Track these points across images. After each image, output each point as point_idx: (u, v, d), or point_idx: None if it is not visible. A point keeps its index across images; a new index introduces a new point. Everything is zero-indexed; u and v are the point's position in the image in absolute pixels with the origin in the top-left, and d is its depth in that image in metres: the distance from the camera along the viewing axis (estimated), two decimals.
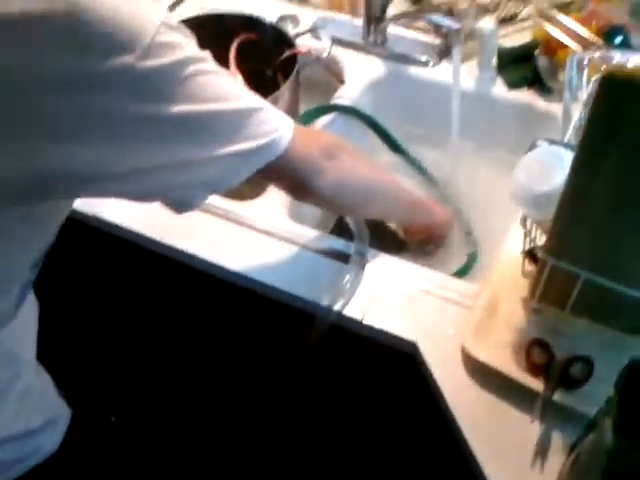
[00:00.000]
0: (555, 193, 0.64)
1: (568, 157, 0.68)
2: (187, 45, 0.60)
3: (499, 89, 1.13)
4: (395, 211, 0.92)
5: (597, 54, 0.77)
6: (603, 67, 0.79)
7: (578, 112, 0.82)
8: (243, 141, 0.63)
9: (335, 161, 0.75)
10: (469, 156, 1.18)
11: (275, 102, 1.02)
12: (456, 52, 1.01)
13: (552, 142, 0.72)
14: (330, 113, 1.09)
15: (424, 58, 1.17)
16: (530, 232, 0.73)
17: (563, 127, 0.83)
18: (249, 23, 1.14)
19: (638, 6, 0.96)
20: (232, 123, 0.63)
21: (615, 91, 0.50)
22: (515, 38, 1.18)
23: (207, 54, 0.62)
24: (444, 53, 1.16)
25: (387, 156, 1.18)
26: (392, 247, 1.06)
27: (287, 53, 1.07)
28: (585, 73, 0.79)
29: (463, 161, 1.17)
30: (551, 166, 0.65)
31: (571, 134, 0.80)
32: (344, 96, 1.14)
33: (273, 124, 0.66)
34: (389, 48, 1.19)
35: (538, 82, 1.10)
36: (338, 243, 0.91)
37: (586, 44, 1.05)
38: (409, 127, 1.21)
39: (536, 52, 1.10)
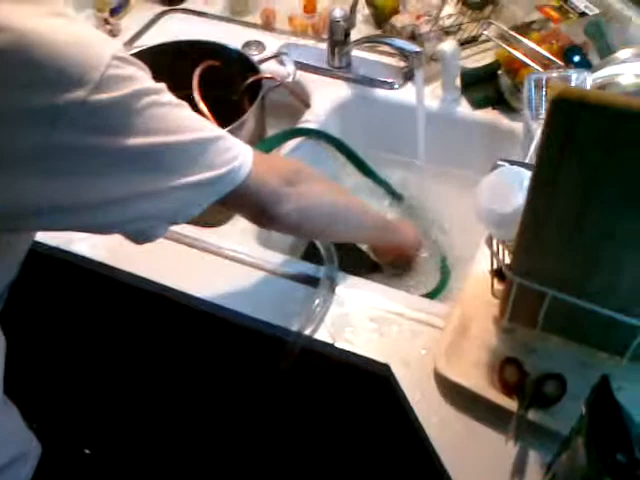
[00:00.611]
0: (517, 213, 0.64)
1: (527, 177, 0.68)
2: (141, 77, 0.59)
3: (464, 109, 1.14)
4: (361, 233, 0.92)
5: (554, 74, 0.78)
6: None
7: (539, 131, 0.83)
8: (201, 171, 0.63)
9: (297, 187, 0.75)
10: (437, 176, 1.18)
11: (240, 128, 1.02)
12: (418, 75, 1.02)
13: (513, 162, 0.73)
14: (297, 137, 1.09)
15: (389, 80, 1.17)
16: (497, 252, 0.73)
17: (524, 146, 0.84)
18: (213, 50, 1.13)
19: (592, 26, 0.98)
20: (189, 154, 0.62)
21: (565, 112, 0.51)
22: (478, 59, 1.20)
23: (163, 86, 0.62)
24: (409, 75, 1.17)
25: (355, 178, 1.18)
26: (364, 269, 1.06)
27: (251, 79, 1.07)
28: (544, 92, 0.80)
29: (431, 181, 1.17)
30: (512, 186, 0.66)
31: (532, 153, 0.81)
32: (310, 120, 1.14)
33: (232, 153, 0.66)
34: (354, 71, 1.19)
35: (502, 102, 1.11)
36: (307, 267, 0.90)
37: (546, 64, 1.07)
38: (376, 149, 1.22)
39: (499, 72, 1.12)
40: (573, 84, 0.76)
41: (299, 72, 1.20)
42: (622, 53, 0.84)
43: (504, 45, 1.10)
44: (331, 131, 1.16)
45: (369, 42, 1.13)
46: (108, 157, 0.57)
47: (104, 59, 0.55)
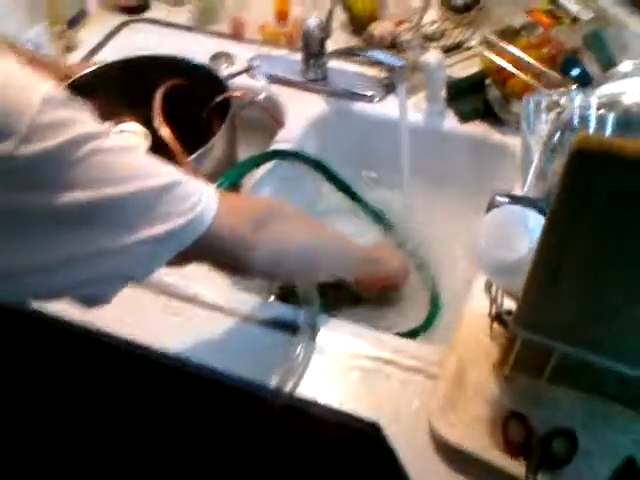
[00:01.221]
0: (522, 261, 0.56)
1: (533, 219, 0.60)
2: (79, 121, 0.51)
3: (450, 122, 1.06)
4: (342, 269, 0.84)
5: (555, 96, 0.70)
6: (562, 102, 0.73)
7: (537, 155, 0.75)
8: (157, 224, 0.54)
9: (267, 230, 0.67)
10: (424, 195, 1.10)
11: (209, 152, 0.94)
12: (401, 91, 0.94)
13: (512, 198, 0.65)
14: (272, 160, 1.00)
15: (369, 93, 1.09)
16: (496, 298, 0.65)
17: (523, 169, 0.76)
18: (178, 66, 1.05)
19: (592, 37, 0.91)
20: (141, 206, 0.54)
21: (587, 165, 0.43)
22: (464, 66, 1.12)
23: (106, 127, 0.53)
24: (390, 87, 1.08)
25: (338, 200, 1.09)
26: (347, 301, 0.98)
27: (219, 98, 0.98)
28: (543, 109, 0.72)
29: (418, 201, 1.09)
30: (516, 231, 0.58)
31: (531, 182, 0.73)
32: (285, 139, 1.05)
33: (192, 199, 0.57)
34: (330, 84, 1.11)
35: (491, 114, 1.03)
36: (284, 311, 0.81)
37: (536, 74, 0.99)
38: (358, 167, 1.14)
39: (486, 82, 1.04)
40: (577, 107, 0.68)
41: (272, 86, 1.11)
42: (624, 66, 0.77)
43: (489, 54, 1.02)
44: (308, 149, 1.07)
45: (347, 54, 1.05)
46: (44, 217, 0.50)
47: (33, 104, 0.47)
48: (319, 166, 1.06)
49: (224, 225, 0.61)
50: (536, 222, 0.60)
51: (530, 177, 0.73)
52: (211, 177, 0.94)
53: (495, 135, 1.03)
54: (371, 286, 0.96)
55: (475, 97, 1.05)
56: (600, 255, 0.49)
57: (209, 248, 0.62)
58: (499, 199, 0.66)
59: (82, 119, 0.51)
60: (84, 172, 0.50)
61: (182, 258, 0.59)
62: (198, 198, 0.58)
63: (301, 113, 1.09)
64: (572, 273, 0.51)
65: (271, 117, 1.04)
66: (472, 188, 1.09)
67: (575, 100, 0.69)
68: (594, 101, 0.67)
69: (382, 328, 0.96)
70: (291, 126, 1.07)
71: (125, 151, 0.54)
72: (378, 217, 1.10)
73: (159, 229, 0.55)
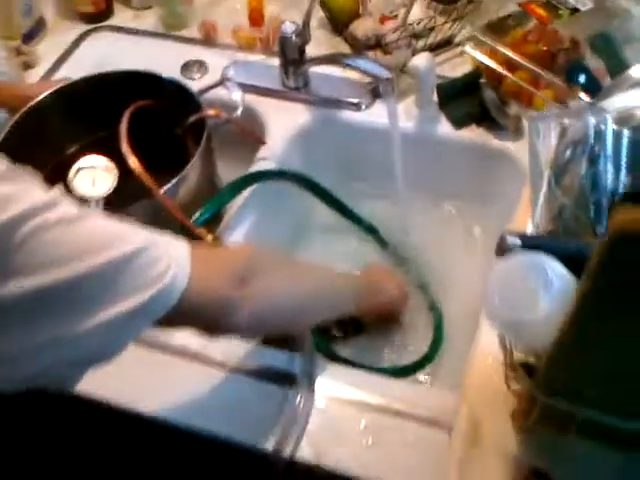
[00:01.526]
0: (543, 321, 0.49)
1: (551, 270, 0.53)
2: (24, 194, 0.44)
3: (444, 128, 0.98)
4: (337, 310, 0.77)
5: (566, 120, 0.63)
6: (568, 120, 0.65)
7: (546, 178, 0.67)
8: (121, 300, 0.48)
9: (250, 286, 0.60)
10: (420, 206, 1.03)
11: (185, 179, 0.86)
12: (390, 103, 0.86)
13: (525, 239, 0.58)
14: (257, 182, 0.92)
15: (355, 100, 1.01)
16: (511, 349, 0.59)
17: (533, 197, 0.69)
18: (146, 82, 0.96)
19: (601, 40, 0.83)
20: (99, 283, 0.47)
21: (631, 251, 0.36)
22: (455, 65, 1.04)
23: (55, 195, 0.46)
24: (377, 92, 1.00)
25: (329, 217, 1.02)
26: (348, 331, 0.92)
27: (192, 118, 0.90)
28: (553, 136, 0.65)
29: (413, 213, 1.02)
30: (531, 286, 0.51)
31: (540, 214, 0.65)
32: (267, 156, 0.97)
33: (161, 265, 0.50)
34: (313, 92, 1.02)
35: (487, 117, 0.96)
36: (278, 358, 0.74)
37: (530, 76, 0.92)
38: (348, 179, 1.06)
39: (481, 82, 0.96)
40: (591, 130, 0.61)
41: (249, 96, 1.02)
42: (636, 70, 0.69)
43: (476, 54, 0.95)
44: (293, 164, 1.00)
45: (329, 62, 0.96)
46: None
47: None
48: (307, 183, 0.99)
49: (201, 288, 0.55)
50: (555, 274, 0.53)
51: (539, 205, 0.66)
52: (189, 206, 0.87)
53: (493, 140, 0.96)
54: (370, 314, 0.89)
55: (469, 100, 0.97)
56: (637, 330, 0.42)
57: (185, 316, 0.55)
58: (510, 240, 0.59)
59: (25, 190, 0.44)
60: (28, 256, 0.43)
61: (161, 324, 0.52)
62: (167, 263, 0.51)
63: (282, 125, 1.01)
64: (603, 343, 0.44)
65: (250, 136, 0.96)
66: (471, 197, 1.03)
67: (588, 122, 0.62)
68: (610, 122, 0.60)
69: (385, 359, 0.91)
70: (273, 141, 0.99)
71: (76, 222, 0.46)
72: (372, 233, 1.03)
73: (123, 306, 0.48)
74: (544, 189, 0.68)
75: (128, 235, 0.50)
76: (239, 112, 0.92)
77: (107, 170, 0.78)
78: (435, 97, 0.98)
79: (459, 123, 0.97)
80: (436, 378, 0.88)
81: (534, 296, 0.51)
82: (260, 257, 0.64)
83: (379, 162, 0.99)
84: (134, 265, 0.49)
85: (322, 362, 0.76)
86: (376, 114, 1.00)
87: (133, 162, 0.81)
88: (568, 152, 0.68)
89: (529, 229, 0.69)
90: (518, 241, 0.58)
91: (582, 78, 0.75)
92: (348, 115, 1.02)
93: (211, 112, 0.89)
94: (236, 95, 0.95)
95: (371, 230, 1.03)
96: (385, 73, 0.82)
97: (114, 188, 0.80)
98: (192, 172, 0.87)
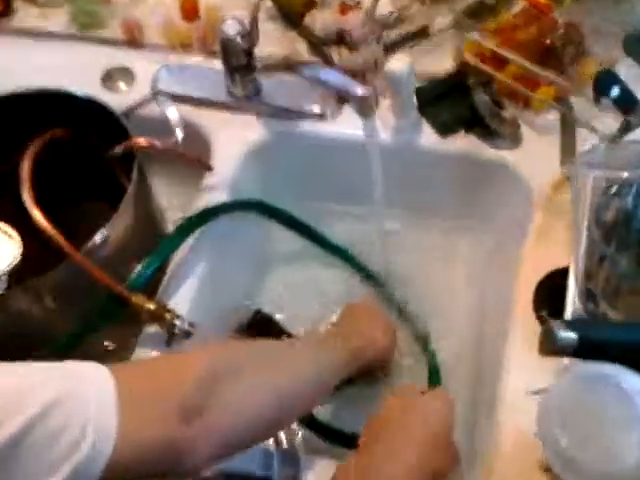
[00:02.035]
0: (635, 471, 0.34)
1: (630, 386, 0.38)
2: None
3: (428, 137, 0.82)
4: (325, 389, 0.61)
5: (606, 174, 0.47)
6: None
7: (584, 232, 0.53)
8: None
9: (204, 417, 0.44)
10: (406, 229, 0.88)
11: (114, 227, 0.68)
12: (369, 127, 0.69)
13: (567, 325, 0.43)
14: (211, 220, 0.74)
15: (318, 109, 0.83)
16: None
17: (576, 259, 0.54)
18: (57, 103, 0.76)
19: (634, 41, 0.67)
20: None
21: None
22: (434, 59, 0.86)
23: None
24: (343, 97, 0.83)
25: (299, 247, 0.86)
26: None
27: (119, 150, 0.71)
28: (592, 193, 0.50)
29: (398, 237, 0.86)
30: (608, 416, 0.36)
31: (582, 272, 0.50)
32: (216, 184, 0.79)
33: (74, 430, 0.35)
34: (267, 100, 0.84)
35: (477, 122, 0.80)
36: (253, 460, 0.58)
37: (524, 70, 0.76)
38: (316, 201, 0.89)
39: (470, 81, 0.80)
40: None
41: (188, 109, 0.84)
42: None
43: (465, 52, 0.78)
44: (248, 190, 0.83)
45: (284, 69, 0.78)
46: None
47: None
48: (269, 211, 0.83)
49: (135, 442, 0.39)
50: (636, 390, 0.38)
51: (580, 263, 0.51)
52: (122, 261, 0.69)
53: (486, 150, 0.80)
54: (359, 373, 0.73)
55: (456, 102, 0.81)
56: None
57: (124, 474, 0.38)
58: (561, 334, 0.43)
59: None
60: None
61: None
62: (81, 425, 0.35)
63: (231, 143, 0.83)
64: None
65: (193, 164, 0.78)
66: (463, 217, 0.87)
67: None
68: None
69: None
70: (221, 164, 0.81)
71: None
72: (349, 261, 0.87)
73: None
74: (584, 236, 0.53)
75: (16, 400, 0.32)
76: (178, 138, 0.74)
77: (6, 236, 0.59)
78: (415, 100, 0.82)
79: (445, 130, 0.81)
80: None
81: (615, 433, 0.36)
82: (218, 365, 0.47)
83: (351, 179, 0.83)
84: (30, 443, 0.32)
85: (305, 457, 0.60)
86: (345, 123, 0.83)
87: (37, 216, 0.62)
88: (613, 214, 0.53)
89: (571, 289, 0.53)
90: (572, 335, 0.43)
91: (615, 91, 0.59)
92: (311, 126, 0.84)
93: (141, 142, 0.70)
94: (172, 113, 0.76)
95: (347, 257, 0.87)
96: (360, 89, 0.64)
97: (21, 254, 0.61)
98: (123, 217, 0.69)
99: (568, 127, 0.77)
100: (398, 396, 0.59)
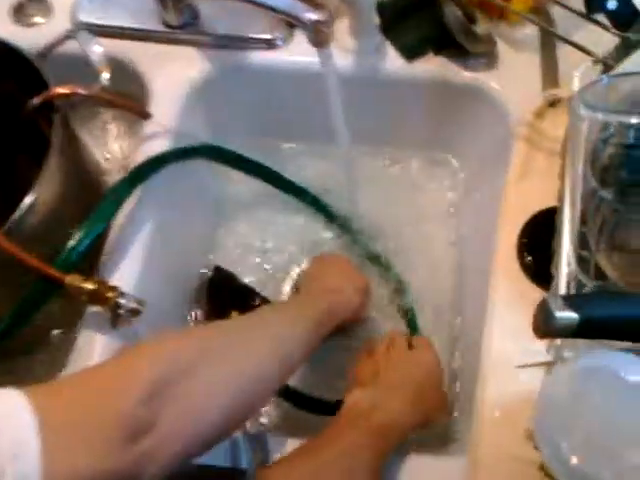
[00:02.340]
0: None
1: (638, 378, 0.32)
2: None
3: (393, 62, 0.72)
4: (289, 368, 0.54)
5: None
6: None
7: (579, 175, 0.45)
8: None
9: (157, 428, 0.38)
10: (373, 166, 0.80)
11: (43, 186, 0.59)
12: (326, 57, 0.59)
13: (566, 302, 0.36)
14: (154, 173, 0.65)
15: (267, 35, 0.73)
16: None
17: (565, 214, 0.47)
18: None
19: None
20: None
21: None
22: None
23: None
24: None
25: (255, 188, 0.77)
26: None
27: (37, 101, 0.61)
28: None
29: (365, 175, 0.78)
30: (614, 411, 0.30)
31: (578, 218, 0.44)
32: (158, 131, 0.70)
33: None
34: (206, 29, 0.73)
35: (449, 42, 0.70)
36: (222, 455, 0.53)
37: None
38: (272, 140, 0.80)
39: None
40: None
41: (117, 43, 0.73)
42: None
43: None
44: (194, 133, 0.73)
45: None
46: None
47: None
48: (222, 155, 0.73)
49: (70, 476, 0.32)
50: None
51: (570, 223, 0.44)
52: (53, 234, 0.61)
53: (459, 72, 0.71)
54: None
55: (422, 19, 0.71)
56: None
57: None
58: (559, 311, 0.37)
59: None
60: None
61: None
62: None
63: (170, 81, 0.73)
64: None
65: (127, 108, 0.67)
66: (436, 148, 0.79)
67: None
68: None
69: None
70: (160, 107, 0.71)
71: None
72: (314, 205, 0.79)
73: None
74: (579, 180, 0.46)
75: None
76: (104, 81, 0.63)
77: None
78: (377, 19, 0.72)
79: (412, 53, 0.72)
80: None
81: (624, 432, 0.30)
82: (164, 370, 0.40)
83: (310, 113, 0.74)
84: None
85: (273, 439, 0.55)
86: (299, 51, 0.73)
87: None
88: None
89: (565, 237, 0.47)
90: (573, 315, 0.36)
91: (612, 4, 0.50)
92: (260, 56, 0.74)
93: (60, 91, 0.60)
94: (95, 51, 0.65)
95: (311, 200, 0.79)
96: (312, 14, 0.54)
97: None
98: (50, 178, 0.60)
99: (548, 45, 0.68)
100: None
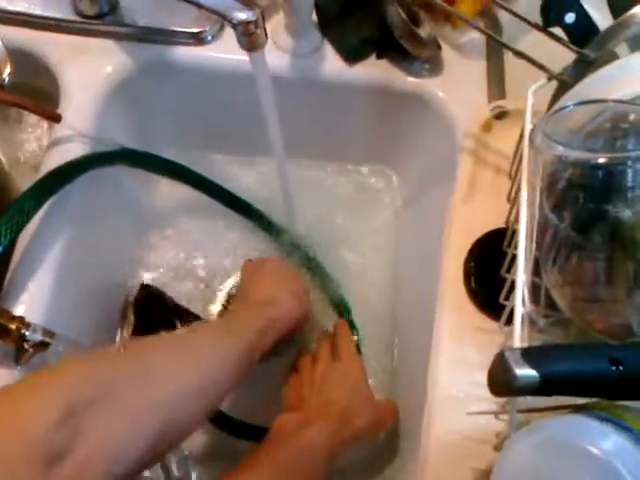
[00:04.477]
0: None
1: (606, 449, 0.29)
2: None
3: (332, 64, 0.67)
4: (221, 392, 0.50)
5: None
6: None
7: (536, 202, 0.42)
8: None
9: (74, 455, 0.35)
10: (311, 176, 0.74)
11: None
12: (256, 58, 0.53)
13: (526, 358, 0.33)
14: (64, 186, 0.58)
15: (193, 29, 0.66)
16: None
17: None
18: None
19: None
20: None
21: None
22: None
23: None
24: None
25: (185, 195, 0.71)
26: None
27: None
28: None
29: (303, 185, 0.73)
30: None
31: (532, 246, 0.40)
32: (70, 135, 0.62)
33: None
34: (126, 20, 0.66)
35: (392, 45, 0.66)
36: None
37: None
38: (201, 149, 0.74)
39: None
40: (607, 129, 0.34)
41: (24, 32, 0.65)
42: None
43: None
44: (114, 139, 0.65)
45: None
46: None
47: None
48: (146, 160, 0.66)
49: None
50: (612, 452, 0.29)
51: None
52: None
53: (401, 77, 0.67)
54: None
55: (364, 19, 0.66)
56: None
57: None
58: (518, 369, 0.33)
59: None
60: None
61: None
62: None
63: (84, 78, 0.65)
64: None
65: (33, 110, 0.59)
66: (379, 162, 0.75)
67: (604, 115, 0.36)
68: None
69: None
70: (73, 107, 0.63)
71: None
72: (249, 213, 0.73)
73: None
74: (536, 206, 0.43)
75: None
76: (5, 77, 0.55)
77: None
78: (315, 18, 0.66)
79: (353, 55, 0.67)
80: None
81: None
82: (79, 394, 0.37)
83: (242, 116, 0.69)
84: None
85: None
86: (229, 46, 0.66)
87: None
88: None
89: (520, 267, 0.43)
90: (534, 373, 0.33)
91: (570, 17, 0.46)
92: (186, 52, 0.67)
93: None
94: None
95: (246, 209, 0.73)
96: (242, 12, 0.48)
97: None
98: None
99: (495, 53, 0.65)
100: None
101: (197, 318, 0.69)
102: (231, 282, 0.72)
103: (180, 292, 0.70)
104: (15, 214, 0.53)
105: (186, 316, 0.68)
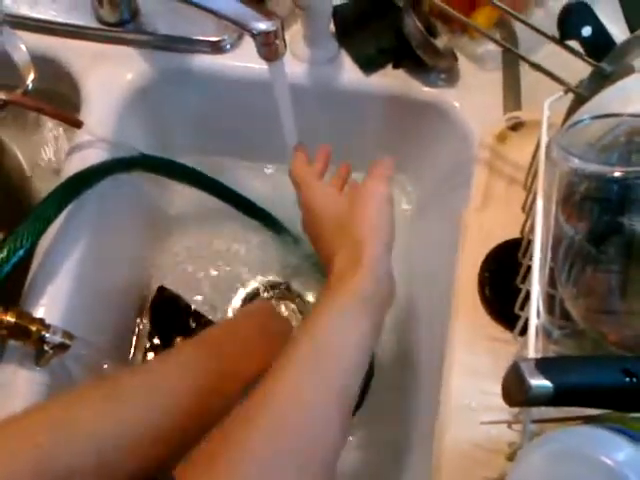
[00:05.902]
0: None
1: (619, 460, 0.30)
2: None
3: (350, 74, 0.68)
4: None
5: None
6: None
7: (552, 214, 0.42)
8: None
9: None
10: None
11: None
12: (275, 68, 0.54)
13: (540, 368, 0.33)
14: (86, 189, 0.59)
15: (213, 38, 0.67)
16: None
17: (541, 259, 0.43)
18: None
19: None
20: None
21: None
22: None
23: None
24: None
25: (200, 201, 0.71)
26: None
27: None
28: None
29: None
30: None
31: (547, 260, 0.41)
32: (90, 141, 0.63)
33: None
34: (147, 28, 0.67)
35: (409, 55, 0.66)
36: None
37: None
38: (220, 155, 0.74)
39: (398, 2, 0.66)
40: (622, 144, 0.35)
41: (45, 40, 0.66)
42: None
43: None
44: (132, 143, 0.67)
45: None
46: None
47: None
48: (165, 167, 0.67)
49: None
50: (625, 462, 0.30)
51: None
52: None
53: (420, 88, 0.67)
54: None
55: (381, 29, 0.67)
56: None
57: None
58: (532, 379, 0.33)
59: None
60: None
61: None
62: None
63: (105, 85, 0.66)
64: None
65: (55, 115, 0.61)
66: (395, 166, 0.75)
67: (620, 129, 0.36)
68: None
69: None
70: (93, 114, 0.64)
71: None
72: (267, 221, 0.74)
73: None
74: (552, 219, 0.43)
75: None
76: (28, 84, 0.57)
77: None
78: (332, 27, 0.67)
79: (369, 65, 0.68)
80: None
81: None
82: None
83: (260, 124, 0.69)
84: None
85: None
86: (248, 55, 0.67)
87: None
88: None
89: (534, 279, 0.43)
90: (548, 384, 0.33)
91: (587, 30, 0.46)
92: (206, 60, 0.68)
93: None
94: (20, 51, 0.58)
95: (264, 218, 0.74)
96: (262, 23, 0.49)
97: None
98: None
99: (511, 64, 0.65)
100: None
101: (210, 322, 0.70)
102: (247, 289, 0.73)
103: (195, 296, 0.71)
104: (37, 219, 0.54)
105: (199, 319, 0.69)
